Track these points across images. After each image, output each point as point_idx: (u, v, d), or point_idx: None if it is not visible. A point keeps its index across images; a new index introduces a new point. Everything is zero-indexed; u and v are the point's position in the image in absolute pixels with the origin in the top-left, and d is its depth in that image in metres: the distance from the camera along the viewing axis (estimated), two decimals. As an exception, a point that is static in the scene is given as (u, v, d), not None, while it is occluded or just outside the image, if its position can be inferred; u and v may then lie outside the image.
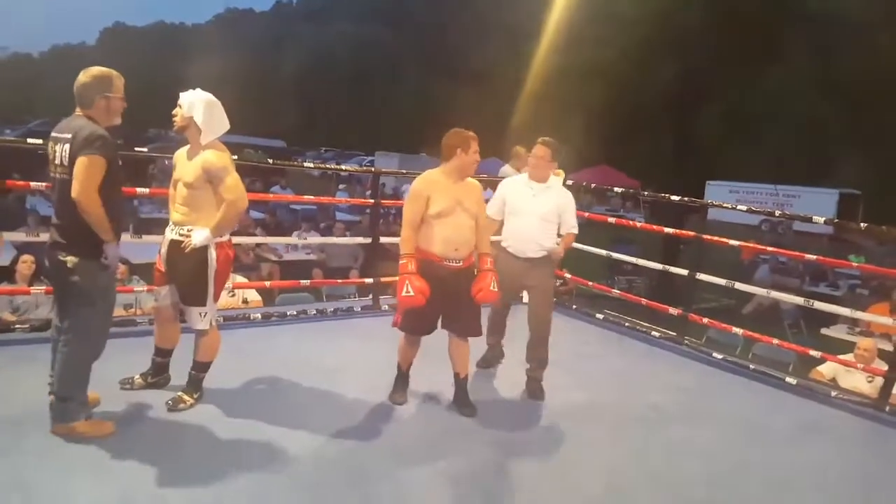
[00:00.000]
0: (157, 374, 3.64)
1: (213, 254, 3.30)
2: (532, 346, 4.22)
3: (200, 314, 3.37)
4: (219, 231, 3.28)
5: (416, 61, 48.65)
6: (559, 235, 4.23)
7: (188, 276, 3.33)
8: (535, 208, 4.12)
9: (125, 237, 3.82)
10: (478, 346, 4.11)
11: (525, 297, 4.39)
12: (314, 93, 49.18)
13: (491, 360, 4.57)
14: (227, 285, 5.48)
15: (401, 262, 3.55)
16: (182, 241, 3.27)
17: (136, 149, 5.00)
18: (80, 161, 2.81)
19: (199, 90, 3.36)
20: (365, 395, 3.83)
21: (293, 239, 7.81)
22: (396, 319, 3.70)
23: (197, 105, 3.28)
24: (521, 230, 4.15)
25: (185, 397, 3.45)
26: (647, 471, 3.35)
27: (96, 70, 2.99)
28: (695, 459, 3.51)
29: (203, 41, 61.61)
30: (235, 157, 5.71)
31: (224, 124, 3.39)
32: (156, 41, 64.33)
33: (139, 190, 5.02)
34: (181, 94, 3.33)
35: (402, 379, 3.88)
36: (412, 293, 3.46)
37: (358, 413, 3.64)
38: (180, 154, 3.42)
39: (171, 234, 3.37)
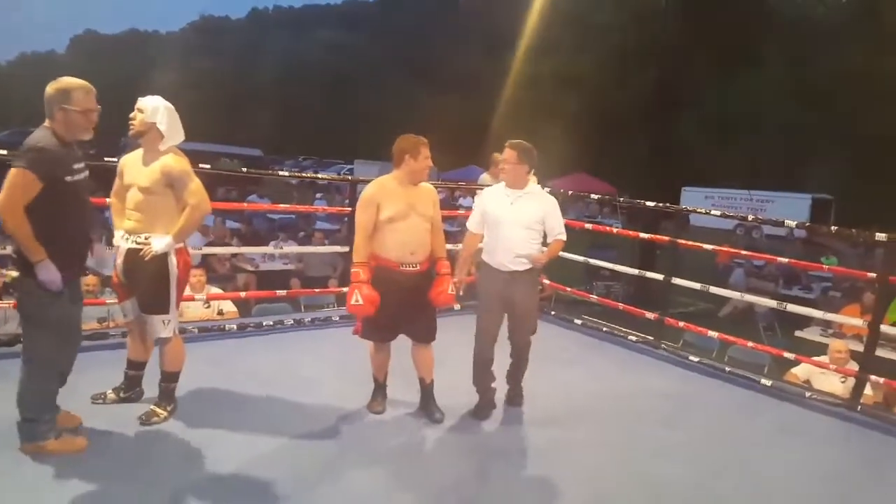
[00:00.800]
0: (130, 389, 3.58)
1: (173, 260, 3.24)
2: (513, 364, 4.05)
3: (164, 322, 3.30)
4: (181, 236, 3.24)
5: (395, 69, 48.71)
6: (545, 244, 3.97)
7: (149, 284, 3.25)
8: (513, 216, 3.78)
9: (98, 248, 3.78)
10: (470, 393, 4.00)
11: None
12: (292, 101, 48.95)
13: (485, 408, 3.96)
14: (201, 296, 5.50)
15: (352, 270, 3.55)
16: (140, 250, 3.19)
17: (106, 159, 4.93)
18: (9, 172, 2.73)
19: (158, 97, 3.32)
20: (342, 405, 3.81)
21: (269, 248, 7.75)
22: (357, 327, 3.72)
23: (161, 111, 3.23)
24: (500, 241, 3.80)
25: (158, 410, 3.40)
26: (628, 474, 3.36)
27: (62, 81, 2.92)
28: (674, 462, 3.54)
29: (177, 49, 61.11)
30: (208, 166, 5.71)
31: (181, 133, 3.34)
32: (128, 49, 63.65)
33: (108, 200, 4.94)
34: (141, 99, 3.29)
35: (379, 389, 3.87)
36: (361, 302, 3.46)
37: (335, 423, 3.61)
38: (130, 160, 3.33)
39: (125, 243, 3.27)
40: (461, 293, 3.95)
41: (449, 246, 4.48)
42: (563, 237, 3.92)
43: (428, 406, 3.82)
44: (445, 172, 28.22)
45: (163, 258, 3.20)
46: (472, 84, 39.11)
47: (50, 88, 2.88)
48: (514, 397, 4.12)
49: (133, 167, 3.28)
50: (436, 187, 3.85)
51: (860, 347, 5.17)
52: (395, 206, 3.53)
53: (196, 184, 3.23)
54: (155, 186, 3.18)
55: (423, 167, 3.58)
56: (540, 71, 36.09)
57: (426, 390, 3.83)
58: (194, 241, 8.92)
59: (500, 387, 4.07)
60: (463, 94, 39.01)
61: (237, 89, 51.92)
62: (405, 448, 3.44)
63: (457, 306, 6.17)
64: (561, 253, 6.12)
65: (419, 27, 54.11)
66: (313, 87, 49.03)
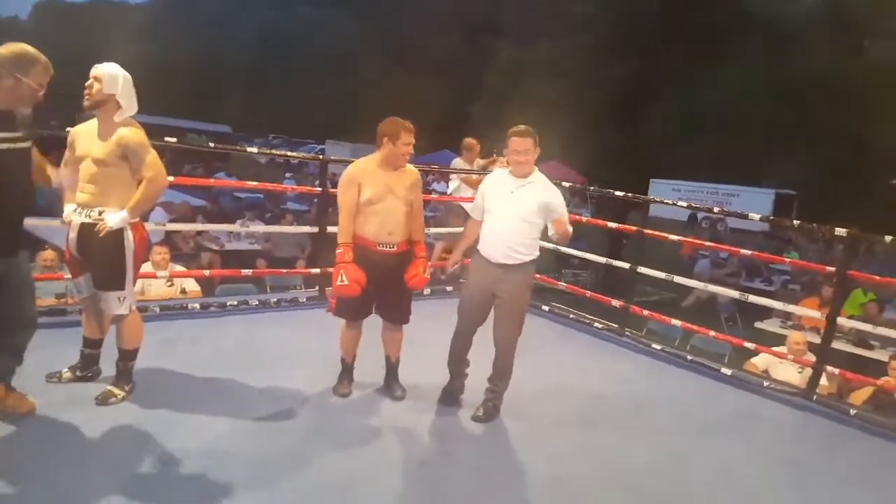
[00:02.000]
0: (87, 367, 3.50)
1: (129, 235, 3.15)
2: (496, 365, 3.74)
3: (119, 298, 3.19)
4: (137, 210, 3.14)
5: (373, 50, 48.09)
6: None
7: (104, 260, 3.14)
8: (510, 207, 3.55)
9: (54, 222, 3.67)
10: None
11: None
12: (264, 78, 48.12)
13: (454, 392, 3.86)
14: (164, 274, 5.40)
15: (338, 251, 3.54)
16: (95, 225, 3.08)
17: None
18: None
19: (114, 64, 3.16)
20: (307, 388, 3.78)
21: (235, 227, 7.64)
22: (331, 305, 3.71)
23: (119, 81, 3.10)
24: (494, 232, 3.59)
25: (115, 391, 3.32)
26: (588, 458, 3.41)
27: (24, 48, 2.78)
28: (635, 446, 3.60)
29: (147, 20, 59.63)
30: (174, 139, 5.60)
31: (136, 104, 3.21)
32: (95, 19, 61.76)
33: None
34: (97, 67, 3.12)
35: (346, 371, 3.85)
36: (347, 282, 3.45)
37: (299, 406, 3.58)
38: (82, 130, 3.19)
39: (78, 217, 3.15)
40: (447, 274, 3.85)
41: (431, 230, 4.48)
42: (564, 218, 3.63)
43: (391, 384, 3.86)
44: (420, 156, 28.10)
45: (118, 233, 3.10)
46: (449, 69, 38.93)
47: (6, 51, 2.73)
48: (489, 411, 3.71)
49: (87, 138, 3.15)
50: None
51: (818, 339, 5.30)
52: (373, 188, 3.52)
53: (152, 156, 3.13)
54: (110, 158, 3.08)
55: (401, 153, 3.54)
56: (517, 58, 36.07)
57: (391, 368, 3.88)
58: (157, 216, 8.79)
59: (473, 373, 4.03)
60: (439, 78, 38.82)
61: (208, 64, 50.82)
62: (370, 431, 3.42)
63: (426, 290, 6.18)
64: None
65: (399, 9, 53.54)
66: (288, 64, 48.23)
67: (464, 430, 3.60)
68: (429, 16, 46.01)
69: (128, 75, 3.17)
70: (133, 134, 3.10)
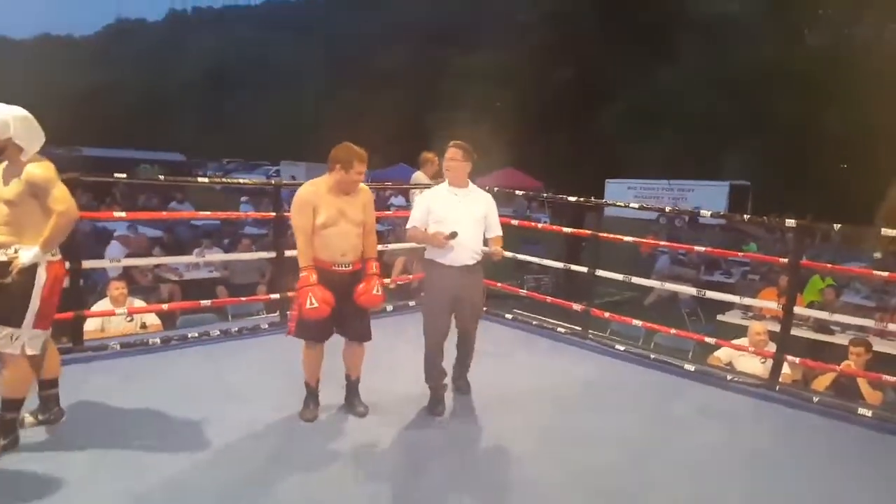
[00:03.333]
0: (47, 410, 3.41)
1: (41, 273, 3.08)
2: (461, 349, 4.20)
3: (11, 336, 3.05)
4: (49, 245, 3.08)
5: (321, 67, 48.10)
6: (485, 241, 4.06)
7: (5, 293, 3.03)
8: (464, 213, 3.86)
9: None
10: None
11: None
12: (214, 103, 47.77)
13: (439, 402, 4.02)
14: (122, 310, 5.28)
15: (301, 274, 3.54)
16: (10, 263, 3.02)
17: None
18: None
19: (4, 106, 3.10)
20: (272, 415, 3.74)
21: (192, 257, 7.52)
22: (291, 328, 3.69)
23: (11, 123, 3.04)
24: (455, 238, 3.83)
25: None
26: (555, 460, 3.44)
27: None
28: (600, 447, 3.64)
29: (92, 54, 58.69)
30: (125, 175, 5.50)
31: (41, 135, 3.16)
32: (41, 55, 60.61)
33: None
34: None
35: (311, 395, 3.81)
36: (316, 304, 3.45)
37: (264, 434, 3.54)
38: None
39: None
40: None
41: (379, 247, 4.50)
42: (500, 233, 4.10)
43: (352, 401, 3.87)
44: (375, 171, 28.08)
45: (31, 269, 3.05)
46: (399, 82, 39.04)
47: None
48: (463, 385, 4.29)
49: None
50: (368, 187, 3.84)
51: (779, 328, 5.41)
52: (326, 212, 3.55)
53: (60, 190, 3.09)
54: (19, 198, 3.04)
55: (352, 180, 3.56)
56: (465, 68, 36.35)
57: (352, 386, 3.89)
58: (113, 251, 8.63)
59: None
60: (389, 91, 38.88)
61: (157, 93, 50.37)
62: (337, 451, 3.40)
63: (389, 307, 6.17)
64: (488, 249, 6.23)
65: (343, 25, 53.60)
66: (236, 87, 48.00)
67: (430, 440, 3.61)
68: (374, 29, 46.16)
69: (21, 114, 3.10)
70: (39, 170, 3.06)
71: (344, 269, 3.62)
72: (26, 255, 3.02)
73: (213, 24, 67.44)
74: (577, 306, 5.81)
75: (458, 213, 3.87)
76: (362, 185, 3.72)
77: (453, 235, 3.76)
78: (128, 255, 8.18)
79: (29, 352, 3.12)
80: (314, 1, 71.86)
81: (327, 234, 3.55)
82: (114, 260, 6.63)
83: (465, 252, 3.87)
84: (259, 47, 52.31)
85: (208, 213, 7.24)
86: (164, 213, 11.96)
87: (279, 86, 47.01)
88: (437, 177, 7.25)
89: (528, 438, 3.70)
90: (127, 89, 49.92)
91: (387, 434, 3.63)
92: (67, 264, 3.68)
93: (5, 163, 3.11)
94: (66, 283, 4.48)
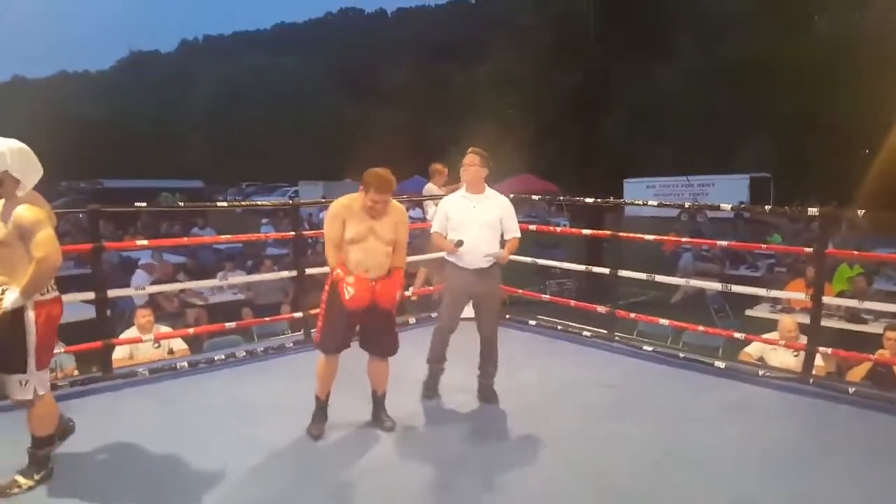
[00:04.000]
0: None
1: (30, 315, 3.01)
2: (485, 354, 4.30)
3: (21, 382, 3.03)
4: (28, 292, 2.98)
5: (330, 87, 48.60)
6: (502, 243, 4.26)
7: (2, 341, 3.00)
8: (478, 219, 4.12)
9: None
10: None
11: (471, 311, 4.31)
12: (230, 128, 48.37)
13: (433, 387, 4.36)
14: (149, 337, 5.34)
15: (333, 273, 3.59)
16: None
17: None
18: None
19: (0, 138, 3.02)
20: (300, 434, 3.72)
21: (214, 281, 7.60)
22: (317, 337, 3.73)
23: (8, 156, 2.96)
24: (468, 243, 4.06)
25: (21, 480, 3.08)
26: (583, 471, 3.38)
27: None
28: (628, 451, 3.58)
29: (109, 87, 59.67)
30: (145, 203, 5.57)
31: (39, 169, 3.08)
32: (59, 92, 61.89)
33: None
34: None
35: (320, 409, 3.78)
36: (354, 292, 3.50)
37: (294, 453, 3.54)
38: None
39: None
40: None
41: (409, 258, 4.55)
42: (518, 235, 4.27)
43: (378, 415, 3.86)
44: (391, 185, 28.18)
45: (18, 313, 2.98)
46: (409, 96, 39.28)
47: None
48: (491, 396, 4.27)
49: None
50: None
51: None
52: (355, 228, 3.59)
53: (44, 235, 2.99)
54: (9, 239, 2.97)
55: (367, 205, 3.58)
56: (474, 76, 36.46)
57: (378, 401, 3.87)
58: (138, 279, 8.74)
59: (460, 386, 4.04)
60: (400, 106, 39.11)
61: (173, 122, 51.12)
62: (368, 470, 3.38)
63: (411, 319, 6.16)
64: (515, 256, 6.22)
65: (349, 44, 54.13)
66: (250, 112, 48.55)
67: (456, 454, 3.57)
68: (380, 46, 46.51)
69: (17, 146, 3.01)
70: (28, 212, 2.97)
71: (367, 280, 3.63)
72: (9, 298, 2.95)
73: (224, 51, 68.42)
74: (601, 308, 5.76)
75: (472, 218, 4.12)
76: (397, 204, 3.76)
77: (460, 244, 4.02)
78: (153, 283, 8.27)
79: (41, 392, 3.11)
80: (321, 22, 72.68)
81: (354, 250, 3.59)
82: (139, 288, 6.71)
83: (478, 256, 4.09)
84: (270, 71, 52.93)
85: (228, 236, 7.29)
86: (186, 238, 12.08)
87: (292, 107, 47.47)
88: (448, 186, 7.28)
89: (558, 447, 3.65)
90: (144, 120, 50.71)
91: (415, 448, 3.61)
92: (93, 295, 3.69)
93: (2, 200, 3.03)
94: (93, 312, 4.57)
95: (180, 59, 73.87)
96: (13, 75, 69.14)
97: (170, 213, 17.72)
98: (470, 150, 4.23)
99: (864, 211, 4.90)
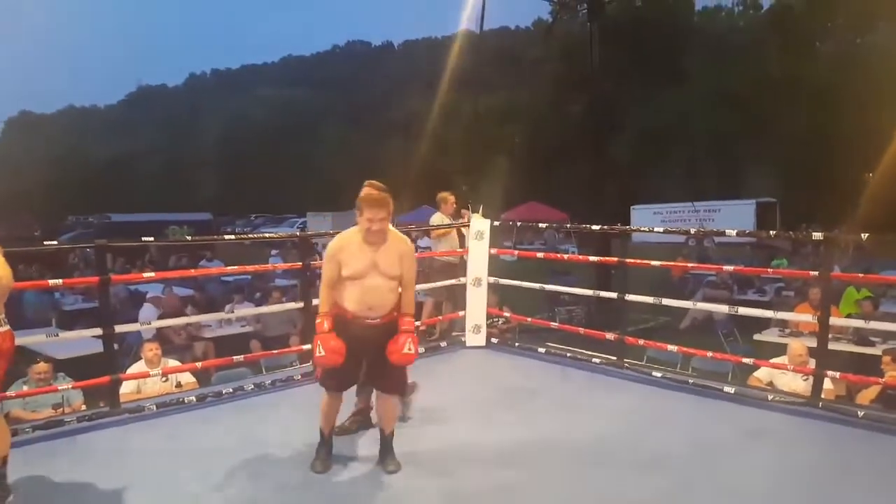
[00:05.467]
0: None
1: None
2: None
3: None
4: None
5: (338, 119, 49.12)
6: None
7: None
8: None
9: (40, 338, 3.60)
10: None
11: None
12: (238, 161, 48.84)
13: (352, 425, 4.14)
14: (156, 371, 5.35)
15: (316, 321, 3.51)
16: None
17: (46, 243, 4.84)
18: None
19: None
20: (303, 470, 3.68)
21: (222, 314, 7.63)
22: (318, 374, 3.67)
23: None
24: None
25: None
26: (599, 499, 3.35)
27: None
28: (644, 480, 3.53)
29: (116, 122, 60.35)
30: (152, 238, 5.63)
31: None
32: (67, 127, 62.74)
33: (52, 282, 4.86)
34: None
35: (322, 444, 3.70)
36: (324, 353, 3.41)
37: (301, 489, 3.49)
38: None
39: None
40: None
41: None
42: None
43: (384, 457, 3.70)
44: (401, 216, 28.36)
45: None
46: (416, 126, 39.60)
47: None
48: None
49: None
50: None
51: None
52: (355, 265, 3.44)
53: None
54: None
55: (365, 227, 3.44)
56: (480, 107, 36.75)
57: (384, 441, 3.73)
58: (146, 313, 8.77)
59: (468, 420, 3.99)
60: (407, 136, 39.45)
61: (182, 155, 51.64)
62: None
63: (421, 349, 6.14)
64: (520, 282, 6.29)
65: (356, 76, 54.78)
66: (258, 144, 49.06)
67: (467, 489, 3.50)
68: (387, 78, 47.03)
69: None
70: None
71: (371, 321, 3.50)
72: None
73: (232, 84, 69.27)
74: (610, 335, 5.74)
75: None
76: (401, 234, 3.63)
77: None
78: (161, 316, 8.30)
79: None
80: (329, 55, 73.62)
81: (355, 285, 3.45)
82: (145, 323, 6.74)
83: None
84: (278, 103, 53.54)
85: (235, 267, 7.33)
86: (193, 270, 12.14)
87: (300, 139, 47.95)
88: (456, 215, 7.33)
89: (568, 480, 3.60)
90: (152, 154, 51.31)
91: (421, 485, 3.53)
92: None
93: None
94: (101, 346, 4.57)
95: (188, 92, 74.78)
96: (21, 110, 70.03)
97: (178, 247, 17.86)
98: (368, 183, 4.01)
99: (868, 234, 4.90)
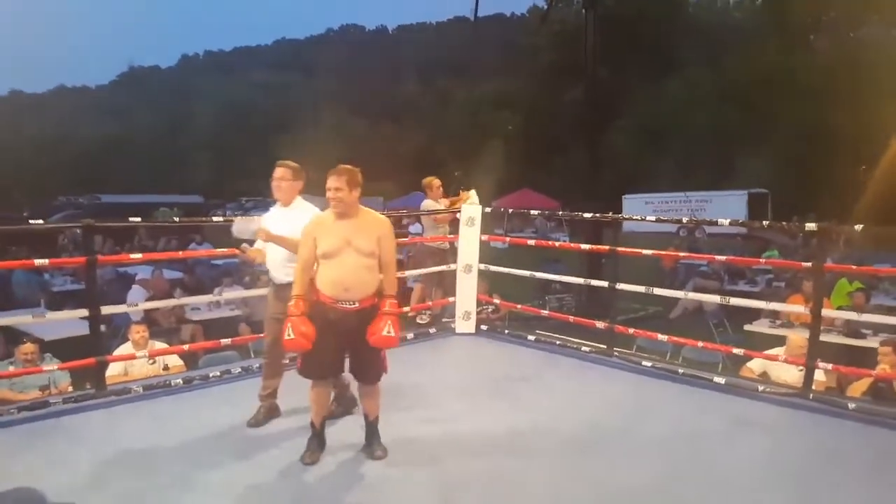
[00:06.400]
0: None
1: None
2: None
3: None
4: None
5: (331, 104, 48.79)
6: None
7: None
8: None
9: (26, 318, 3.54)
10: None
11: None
12: (229, 143, 48.43)
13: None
14: (143, 353, 5.29)
15: (289, 303, 3.44)
16: None
17: (32, 222, 4.77)
18: None
19: None
20: (285, 452, 3.65)
21: (210, 297, 7.56)
22: (298, 363, 3.59)
23: None
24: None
25: None
26: (586, 489, 3.33)
27: None
28: (632, 469, 3.53)
29: (107, 102, 59.76)
30: (139, 218, 5.54)
31: None
32: (57, 106, 62.12)
33: (37, 261, 4.80)
34: None
35: (314, 436, 3.61)
36: (293, 336, 3.35)
37: (288, 474, 3.46)
38: None
39: None
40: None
41: (403, 273, 4.42)
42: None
43: (370, 443, 3.65)
44: (392, 201, 28.28)
45: None
46: (409, 112, 39.55)
47: None
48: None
49: None
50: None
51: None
52: (329, 241, 3.40)
53: None
54: None
55: (329, 198, 3.43)
56: (475, 95, 36.66)
57: (369, 426, 3.67)
58: (134, 295, 8.68)
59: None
60: (400, 123, 39.33)
61: (173, 137, 51.23)
62: (354, 496, 3.28)
63: (409, 335, 6.11)
64: (510, 270, 6.24)
65: (351, 61, 54.38)
66: (250, 127, 48.68)
67: (455, 475, 3.48)
68: (381, 63, 46.75)
69: None
70: None
71: (349, 306, 3.40)
72: None
73: (224, 66, 68.75)
74: (600, 324, 5.72)
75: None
76: (380, 216, 3.59)
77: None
78: (149, 298, 8.22)
79: None
80: (322, 38, 73.08)
81: (330, 264, 3.40)
82: (132, 304, 6.67)
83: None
84: (271, 86, 53.15)
85: (225, 250, 7.24)
86: (181, 252, 12.03)
87: (293, 123, 47.62)
88: (442, 198, 7.28)
89: (557, 467, 3.59)
90: (144, 135, 50.84)
91: (407, 476, 3.47)
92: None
93: None
94: (87, 328, 4.52)
95: (180, 73, 74.13)
96: (11, 90, 69.33)
97: (168, 229, 17.72)
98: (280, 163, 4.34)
99: (861, 226, 4.89)
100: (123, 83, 75.64)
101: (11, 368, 5.17)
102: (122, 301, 7.85)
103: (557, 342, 5.97)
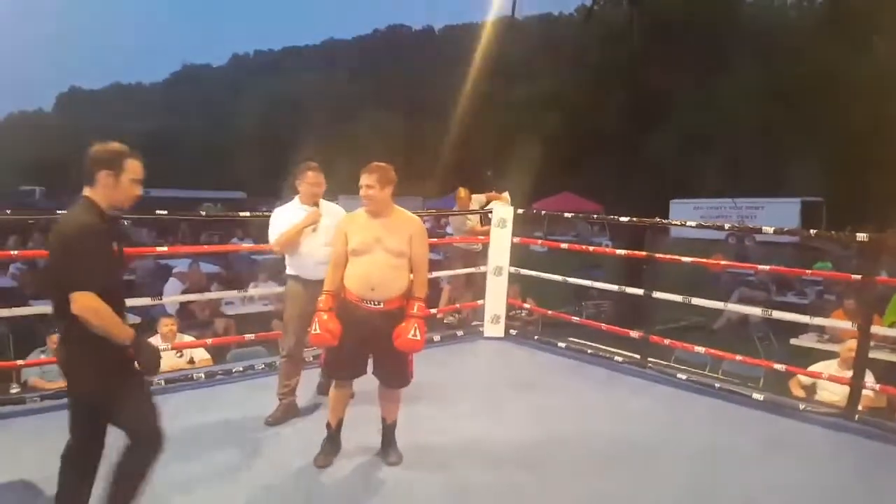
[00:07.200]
0: None
1: None
2: None
3: None
4: None
5: (376, 103, 49.17)
6: None
7: None
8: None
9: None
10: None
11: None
12: (277, 140, 49.15)
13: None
14: (165, 346, 5.29)
15: (319, 298, 3.39)
16: None
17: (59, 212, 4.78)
18: None
19: None
20: (299, 452, 3.56)
21: (240, 292, 7.58)
22: (322, 359, 3.55)
23: None
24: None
25: None
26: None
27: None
28: (657, 490, 3.34)
29: (161, 99, 61.29)
30: (165, 212, 5.54)
31: None
32: (113, 103, 64.03)
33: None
34: None
35: (329, 438, 3.54)
36: (319, 331, 3.28)
37: (303, 474, 3.39)
38: None
39: None
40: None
41: (435, 273, 4.33)
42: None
43: (385, 448, 3.56)
44: (430, 201, 28.27)
45: None
46: (453, 112, 39.42)
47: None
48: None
49: None
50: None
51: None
52: (359, 238, 3.34)
53: None
54: None
55: (361, 195, 3.42)
56: (518, 95, 36.39)
57: (386, 431, 3.58)
58: (171, 287, 8.77)
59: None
60: (444, 122, 39.28)
61: (222, 133, 52.26)
62: (371, 501, 3.19)
63: (436, 337, 5.99)
64: (540, 273, 6.07)
65: (397, 61, 54.69)
66: (297, 125, 49.29)
67: (469, 488, 3.33)
68: (426, 63, 46.77)
69: None
70: None
71: (373, 306, 3.31)
72: None
73: (274, 65, 69.84)
74: (634, 333, 5.51)
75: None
76: (413, 215, 3.51)
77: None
78: (184, 291, 8.29)
79: None
80: (370, 39, 73.62)
81: (358, 262, 3.32)
82: (159, 299, 6.70)
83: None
84: (318, 85, 53.75)
85: (250, 245, 7.24)
86: (207, 246, 12.18)
87: (339, 122, 48.09)
88: (490, 196, 7.19)
89: (580, 483, 3.42)
90: (194, 132, 52.02)
91: (423, 478, 3.39)
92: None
93: None
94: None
95: (231, 72, 75.60)
96: (71, 86, 71.88)
97: (211, 223, 18.01)
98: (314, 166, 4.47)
99: (919, 237, 4.59)
100: (176, 81, 77.61)
101: (43, 357, 5.23)
102: (160, 292, 7.97)
103: (589, 350, 5.78)
